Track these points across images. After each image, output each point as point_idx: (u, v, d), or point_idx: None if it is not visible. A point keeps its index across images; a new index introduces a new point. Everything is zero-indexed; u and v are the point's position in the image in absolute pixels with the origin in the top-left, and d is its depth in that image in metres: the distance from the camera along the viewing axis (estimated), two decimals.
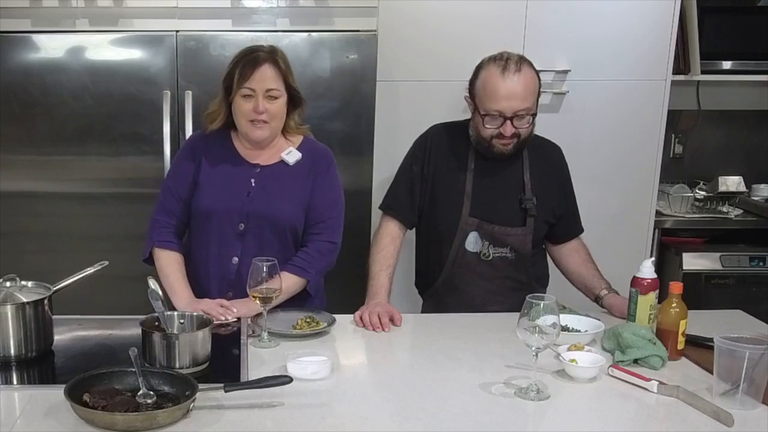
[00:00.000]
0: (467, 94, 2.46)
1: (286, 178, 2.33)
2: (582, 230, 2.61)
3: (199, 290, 2.31)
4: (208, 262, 2.34)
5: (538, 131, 2.58)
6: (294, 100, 2.32)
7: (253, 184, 2.32)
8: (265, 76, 2.23)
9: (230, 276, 2.33)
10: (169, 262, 2.32)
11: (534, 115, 2.38)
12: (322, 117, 2.97)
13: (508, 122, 2.33)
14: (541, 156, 2.52)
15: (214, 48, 2.90)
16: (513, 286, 2.49)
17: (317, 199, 2.35)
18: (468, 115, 2.49)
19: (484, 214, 2.45)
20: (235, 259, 2.32)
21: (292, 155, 2.34)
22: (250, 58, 2.24)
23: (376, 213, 2.82)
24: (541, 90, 2.84)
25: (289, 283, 2.22)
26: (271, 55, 2.26)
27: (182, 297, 2.25)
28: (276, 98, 2.25)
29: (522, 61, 2.35)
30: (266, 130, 2.27)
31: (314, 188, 2.34)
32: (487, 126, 2.37)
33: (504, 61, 2.34)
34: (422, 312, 2.64)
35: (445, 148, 2.50)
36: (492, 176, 2.47)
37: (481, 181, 2.47)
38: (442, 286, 2.54)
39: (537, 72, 2.40)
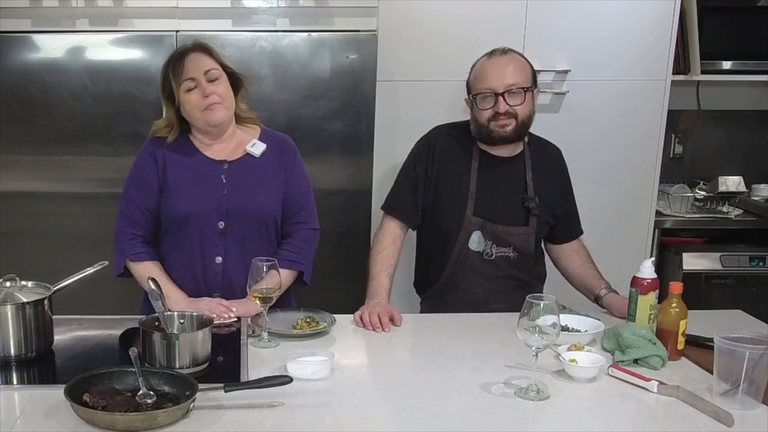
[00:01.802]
0: (467, 97, 2.49)
1: (257, 171, 2.32)
2: (581, 232, 2.62)
3: (186, 295, 2.28)
4: (192, 265, 2.31)
5: (539, 131, 2.59)
6: (234, 82, 2.30)
7: (225, 181, 2.30)
8: (198, 62, 2.24)
9: (216, 276, 2.31)
10: (152, 271, 2.25)
11: (526, 90, 2.39)
12: (322, 117, 2.98)
13: (501, 99, 2.37)
14: (542, 157, 2.53)
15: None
16: (514, 285, 2.50)
17: (293, 189, 2.35)
18: (469, 115, 2.50)
19: (487, 214, 2.45)
20: (219, 259, 2.30)
21: (257, 147, 2.33)
22: (175, 55, 2.27)
23: (376, 213, 2.82)
24: (542, 90, 2.84)
25: (283, 277, 2.20)
26: (194, 44, 2.29)
27: (178, 298, 2.23)
28: (216, 78, 2.24)
29: (510, 49, 2.45)
30: (222, 111, 2.25)
31: (288, 179, 2.34)
32: (481, 107, 2.40)
33: (492, 50, 2.45)
34: (421, 312, 2.64)
35: (449, 148, 2.51)
36: (495, 176, 2.48)
37: (484, 181, 2.47)
38: (443, 285, 2.54)
39: (528, 61, 2.45)
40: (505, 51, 2.43)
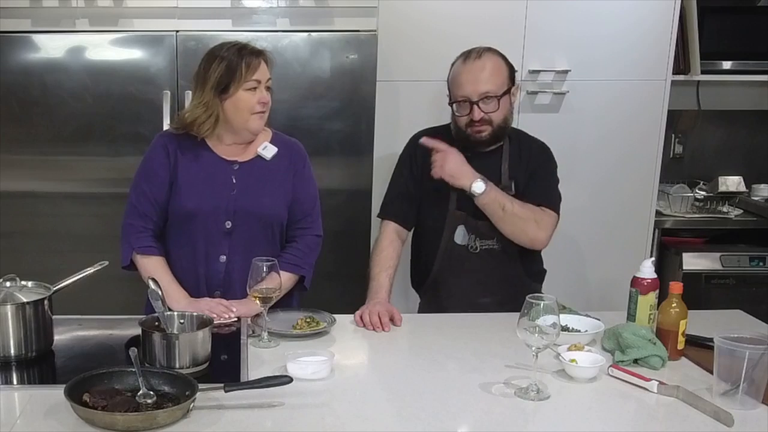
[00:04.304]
0: (448, 98, 2.52)
1: (267, 173, 2.33)
2: (541, 202, 2.48)
3: (186, 291, 2.28)
4: (195, 263, 2.31)
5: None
6: None
7: (235, 181, 2.30)
8: (264, 68, 2.26)
9: (219, 275, 2.32)
10: (156, 267, 2.27)
11: (501, 97, 2.40)
12: (322, 117, 2.98)
13: (475, 107, 2.40)
14: (520, 149, 2.53)
15: None
16: (501, 279, 2.52)
17: (301, 194, 2.36)
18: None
19: (470, 208, 2.48)
20: (223, 258, 2.31)
21: (268, 150, 2.34)
22: (250, 51, 2.24)
23: (375, 213, 2.82)
24: (541, 90, 2.83)
25: (284, 280, 2.21)
26: (263, 50, 2.29)
27: (179, 298, 2.23)
28: (270, 89, 2.28)
29: (486, 49, 2.45)
30: (263, 122, 2.28)
31: (296, 184, 2.35)
32: (458, 114, 2.45)
33: (468, 51, 2.46)
34: (419, 309, 2.67)
35: (430, 149, 2.52)
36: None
37: None
38: (434, 281, 2.57)
39: (506, 60, 2.45)
40: (480, 54, 2.42)
